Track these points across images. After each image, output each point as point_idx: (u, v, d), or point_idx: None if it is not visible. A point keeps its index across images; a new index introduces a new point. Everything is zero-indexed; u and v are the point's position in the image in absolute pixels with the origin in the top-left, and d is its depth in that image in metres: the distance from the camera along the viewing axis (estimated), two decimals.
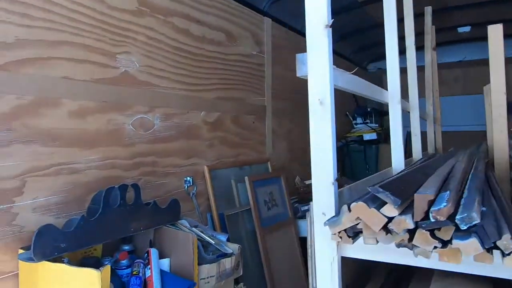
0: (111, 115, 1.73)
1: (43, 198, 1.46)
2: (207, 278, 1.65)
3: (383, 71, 5.41)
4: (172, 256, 1.67)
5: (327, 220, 0.93)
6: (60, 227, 1.35)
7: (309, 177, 1.15)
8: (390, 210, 0.82)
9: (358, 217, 0.86)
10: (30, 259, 1.22)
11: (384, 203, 0.84)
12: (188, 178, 2.17)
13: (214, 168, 2.36)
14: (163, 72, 2.00)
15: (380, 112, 4.41)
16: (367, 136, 4.03)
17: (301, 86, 3.43)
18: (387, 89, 1.73)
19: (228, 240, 1.91)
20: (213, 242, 1.80)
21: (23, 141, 1.40)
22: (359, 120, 4.33)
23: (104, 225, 1.43)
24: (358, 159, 4.11)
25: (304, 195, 3.16)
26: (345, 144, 4.12)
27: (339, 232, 0.91)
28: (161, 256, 1.66)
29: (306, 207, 3.07)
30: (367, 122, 4.27)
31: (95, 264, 1.51)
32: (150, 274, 1.52)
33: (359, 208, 0.85)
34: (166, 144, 2.03)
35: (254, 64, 2.79)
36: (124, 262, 1.59)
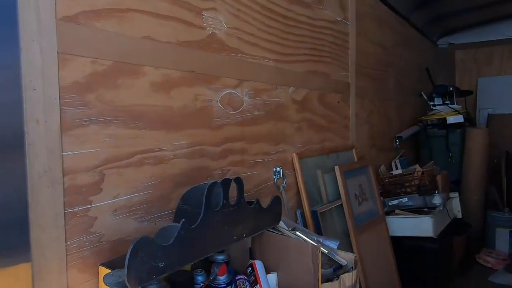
0: (199, 88, 1.35)
1: (126, 197, 1.11)
2: None
3: (455, 46, 4.85)
4: (280, 271, 1.29)
5: None
6: (149, 236, 1.00)
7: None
8: None
9: None
10: (121, 285, 0.87)
11: None
12: (278, 168, 1.79)
13: (303, 156, 1.96)
14: (253, 38, 1.60)
15: (462, 92, 3.84)
16: (451, 119, 3.50)
17: (385, 61, 2.97)
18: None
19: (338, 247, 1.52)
20: (326, 251, 1.41)
21: (100, 121, 1.04)
22: (437, 101, 3.79)
23: (207, 234, 1.07)
24: (439, 146, 3.60)
25: (390, 187, 2.72)
26: (423, 129, 3.61)
27: None
28: (266, 269, 1.29)
29: (394, 202, 2.63)
30: (448, 103, 3.73)
31: (188, 282, 1.16)
32: None
33: None
34: (255, 127, 1.64)
35: (339, 33, 2.35)
36: (223, 278, 1.23)
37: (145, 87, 1.17)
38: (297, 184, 1.91)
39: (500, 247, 3.47)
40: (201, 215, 1.05)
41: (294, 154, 1.89)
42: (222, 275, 1.22)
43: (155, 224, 1.20)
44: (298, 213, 1.91)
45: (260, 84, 1.66)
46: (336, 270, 1.40)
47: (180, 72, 1.27)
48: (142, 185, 1.16)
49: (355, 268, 1.38)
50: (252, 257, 1.35)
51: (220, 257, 1.31)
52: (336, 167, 2.11)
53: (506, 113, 4.28)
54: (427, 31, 4.33)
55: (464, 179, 3.46)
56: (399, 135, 3.27)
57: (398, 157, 3.26)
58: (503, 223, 3.46)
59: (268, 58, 1.71)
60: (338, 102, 2.35)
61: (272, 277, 1.28)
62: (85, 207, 1.00)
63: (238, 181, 1.20)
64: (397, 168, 3.09)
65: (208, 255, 1.10)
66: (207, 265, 1.27)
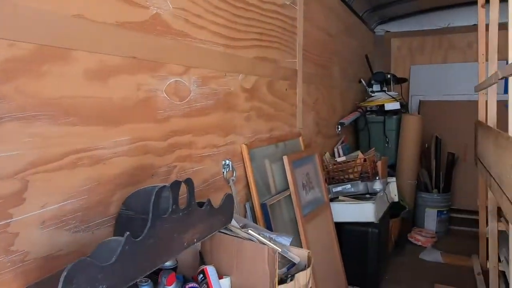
0: (142, 77, 1.20)
1: (56, 205, 0.94)
2: None
3: (391, 34, 5.03)
4: (234, 275, 1.22)
5: None
6: (85, 257, 0.86)
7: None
8: None
9: None
10: None
11: None
12: (227, 161, 1.69)
13: (252, 146, 1.88)
14: (200, 20, 1.46)
15: (398, 79, 4.00)
16: (389, 106, 3.63)
17: (330, 48, 2.94)
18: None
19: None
20: (279, 250, 1.36)
21: (21, 117, 0.86)
22: (376, 87, 3.91)
23: (155, 244, 0.95)
24: (377, 132, 3.73)
25: (334, 174, 2.76)
26: (362, 115, 3.71)
27: None
28: (218, 273, 1.21)
29: (338, 188, 2.68)
30: (385, 90, 3.86)
31: None
32: None
33: None
34: (203, 118, 1.52)
35: (287, 18, 2.26)
36: (172, 287, 1.12)
37: (77, 75, 0.99)
38: (246, 176, 1.83)
39: (428, 225, 3.73)
40: (148, 224, 0.93)
41: (243, 145, 1.80)
42: (171, 285, 1.12)
43: (92, 233, 1.05)
44: (247, 206, 1.84)
45: (209, 71, 1.53)
46: (290, 268, 1.36)
47: (119, 57, 1.11)
48: (76, 190, 1.00)
49: (309, 266, 1.35)
50: (203, 261, 1.26)
51: (168, 264, 1.20)
52: (284, 157, 2.07)
53: (436, 99, 4.55)
54: (367, 18, 4.43)
55: (399, 163, 3.64)
56: (341, 121, 3.32)
57: (339, 143, 3.32)
58: (431, 204, 3.72)
59: (217, 43, 1.58)
60: (286, 89, 2.29)
61: (225, 282, 1.20)
62: (3, 223, 0.83)
63: (189, 182, 1.09)
64: (339, 155, 3.15)
65: (158, 267, 0.99)
66: (153, 272, 1.15)
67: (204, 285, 1.13)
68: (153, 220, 0.94)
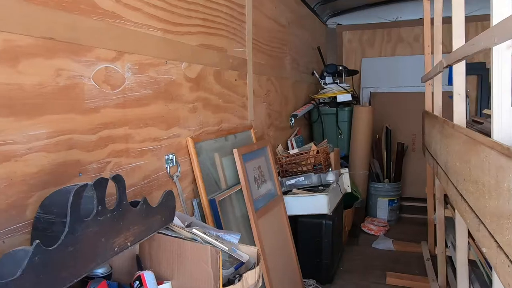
0: (62, 61, 1.05)
1: None
2: None
3: (342, 27, 5.08)
4: (175, 279, 1.11)
5: None
6: None
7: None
8: None
9: None
10: None
11: None
12: (171, 155, 1.57)
13: (199, 140, 1.77)
14: (134, 0, 1.33)
15: (349, 71, 4.03)
16: (341, 98, 3.65)
17: (281, 38, 2.88)
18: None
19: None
20: (226, 249, 1.26)
21: None
22: (328, 79, 3.92)
23: (76, 252, 0.82)
24: (330, 123, 3.74)
25: (287, 167, 2.71)
26: (315, 107, 3.70)
27: None
28: (157, 279, 1.10)
29: (292, 181, 2.63)
30: (337, 82, 3.88)
31: None
32: None
33: None
34: (141, 109, 1.39)
35: (235, 4, 2.17)
36: None
37: None
38: (193, 171, 1.72)
39: (380, 215, 3.81)
40: (66, 230, 0.80)
41: (189, 138, 1.69)
42: None
43: (3, 242, 0.90)
44: (194, 203, 1.73)
45: (146, 57, 1.40)
46: (238, 267, 1.27)
47: (32, 38, 0.96)
48: None
49: (258, 264, 1.27)
50: (140, 266, 1.14)
51: (99, 271, 1.07)
52: (235, 150, 1.98)
53: (385, 91, 4.66)
54: (319, 11, 4.42)
55: (352, 154, 3.68)
56: (294, 113, 3.28)
57: (293, 135, 3.28)
58: (383, 193, 3.80)
59: (155, 27, 1.45)
60: (236, 79, 2.20)
61: None
62: None
63: (118, 179, 0.96)
64: (293, 147, 3.11)
65: (80, 279, 0.86)
66: (82, 280, 1.02)
67: None
68: (72, 224, 0.81)
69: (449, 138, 1.71)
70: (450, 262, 2.46)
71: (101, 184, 0.89)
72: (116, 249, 0.96)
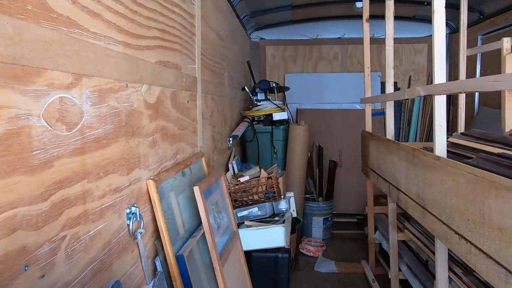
0: (2, 93, 0.65)
1: None
2: None
3: (266, 41, 5.00)
4: None
5: None
6: None
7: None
8: None
9: None
10: None
11: None
12: (133, 208, 1.19)
13: (160, 181, 1.41)
14: (94, 3, 0.95)
15: (281, 88, 3.94)
16: (277, 116, 3.50)
17: (221, 53, 2.64)
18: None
19: None
20: None
21: None
22: (260, 96, 3.76)
23: None
24: (264, 142, 3.57)
25: (237, 196, 2.44)
26: (250, 125, 3.50)
27: None
28: None
29: (244, 213, 2.37)
30: (269, 99, 3.74)
31: None
32: None
33: None
34: (101, 152, 1.00)
35: (187, 14, 1.85)
36: None
37: None
38: (154, 222, 1.36)
39: (316, 234, 3.76)
40: None
41: (150, 181, 1.33)
42: None
43: None
44: (157, 262, 1.37)
45: (107, 81, 1.03)
46: None
47: None
48: None
49: None
50: None
51: None
52: (196, 189, 1.64)
53: (310, 107, 4.69)
54: (245, 23, 4.26)
55: (288, 173, 3.56)
56: (234, 134, 3.03)
57: (232, 158, 3.03)
58: (318, 212, 3.76)
59: (116, 40, 1.08)
60: (188, 101, 1.87)
61: None
62: None
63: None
64: (234, 171, 2.86)
65: None
66: None
67: None
68: None
69: (428, 170, 1.65)
70: (402, 285, 2.46)
71: None
72: None
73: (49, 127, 0.78)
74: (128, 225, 1.16)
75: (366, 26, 2.86)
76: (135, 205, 1.20)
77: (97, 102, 0.97)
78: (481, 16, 3.88)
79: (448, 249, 1.68)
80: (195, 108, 2.00)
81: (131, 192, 1.19)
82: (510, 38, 2.26)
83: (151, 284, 1.32)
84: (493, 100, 3.54)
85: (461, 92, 1.35)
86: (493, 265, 1.16)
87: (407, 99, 4.78)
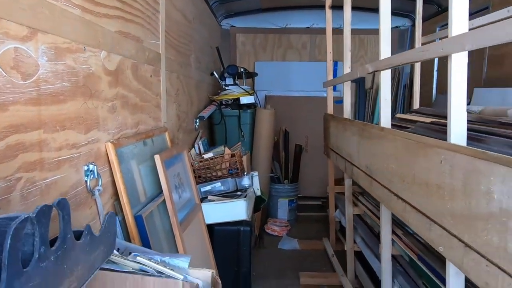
0: None
1: None
2: None
3: (236, 29, 5.07)
4: None
5: None
6: None
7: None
8: None
9: None
10: None
11: None
12: (91, 166, 1.26)
13: (119, 145, 1.48)
14: None
15: (250, 74, 4.02)
16: (244, 100, 3.59)
17: (187, 34, 2.70)
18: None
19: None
20: (180, 278, 1.05)
21: None
22: (229, 81, 3.83)
23: None
24: (232, 125, 3.65)
25: (201, 172, 2.53)
26: (218, 108, 3.57)
27: None
28: None
29: (207, 187, 2.46)
30: (238, 84, 3.82)
31: None
32: None
33: None
34: (58, 107, 1.07)
35: None
36: None
37: None
38: (113, 183, 1.42)
39: (281, 215, 3.89)
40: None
41: (109, 143, 1.39)
42: None
43: None
44: (116, 220, 1.43)
45: (63, 40, 1.08)
46: None
47: None
48: None
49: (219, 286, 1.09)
50: None
51: None
52: (156, 157, 1.72)
53: (278, 94, 4.81)
54: (215, 9, 4.31)
55: (255, 156, 3.66)
56: (201, 115, 3.10)
57: (199, 139, 3.10)
58: (283, 194, 3.89)
59: (73, 3, 1.14)
60: (151, 75, 1.93)
61: None
62: None
63: (62, 205, 0.69)
64: (200, 151, 2.93)
65: None
66: None
67: None
68: (9, 281, 0.53)
69: (375, 140, 1.78)
70: (358, 257, 2.61)
71: (44, 214, 0.61)
72: None
73: (3, 73, 0.84)
74: (86, 181, 1.23)
75: (328, 13, 2.98)
76: (93, 163, 1.26)
77: (54, 59, 1.03)
78: (439, 9, 4.09)
79: (392, 215, 1.83)
80: (158, 84, 2.06)
81: (89, 151, 1.25)
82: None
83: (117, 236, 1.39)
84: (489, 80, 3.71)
85: (399, 65, 1.48)
86: (420, 217, 1.30)
87: (372, 88, 4.97)
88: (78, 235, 0.77)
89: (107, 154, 1.39)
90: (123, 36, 1.54)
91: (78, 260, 0.75)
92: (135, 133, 1.70)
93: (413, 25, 4.74)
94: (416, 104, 2.90)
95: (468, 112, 1.89)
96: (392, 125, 1.95)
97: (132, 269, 0.95)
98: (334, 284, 2.64)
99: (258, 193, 3.03)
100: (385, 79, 1.72)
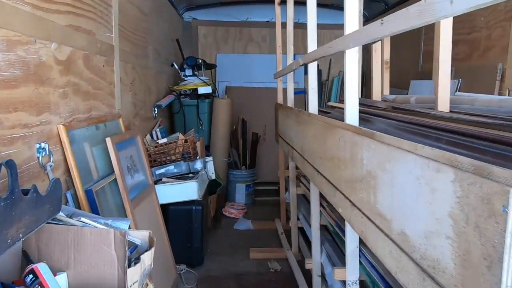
0: None
1: None
2: (131, 286, 1.14)
3: (198, 21, 5.22)
4: (71, 269, 1.06)
5: None
6: None
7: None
8: None
9: None
10: None
11: None
12: (43, 144, 1.43)
13: (71, 127, 1.65)
14: None
15: (208, 65, 4.21)
16: (202, 90, 3.78)
17: (144, 27, 2.88)
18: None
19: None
20: (128, 231, 1.25)
21: None
22: (188, 72, 4.01)
23: None
24: (191, 115, 3.84)
25: (156, 156, 2.72)
26: (177, 98, 3.75)
27: None
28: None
29: (162, 170, 2.66)
30: (197, 75, 4.00)
31: None
32: None
33: None
34: (10, 91, 1.24)
35: None
36: None
37: None
38: (65, 161, 1.60)
39: (239, 199, 4.13)
40: None
41: (61, 125, 1.57)
42: None
43: None
44: (68, 195, 1.62)
45: (14, 34, 1.25)
46: (132, 251, 1.28)
47: None
48: None
49: (152, 246, 1.31)
50: (29, 260, 1.04)
51: None
52: (108, 139, 1.90)
53: (239, 85, 5.02)
54: (176, 2, 4.45)
55: (213, 143, 3.88)
56: (158, 103, 3.27)
57: (157, 126, 3.27)
58: (241, 179, 4.13)
59: (24, 1, 1.30)
60: (103, 66, 2.10)
61: (61, 278, 1.04)
62: None
63: (10, 164, 0.88)
64: (157, 137, 3.11)
65: None
66: None
67: (37, 286, 0.95)
68: None
69: (305, 125, 2.03)
70: (301, 233, 2.89)
71: (12, 167, 0.81)
72: (9, 241, 0.88)
73: None
74: (38, 157, 1.41)
75: (277, 9, 3.21)
76: (45, 142, 1.44)
77: (5, 50, 1.21)
78: (386, 6, 4.41)
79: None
80: (112, 73, 2.23)
81: (41, 131, 1.43)
82: None
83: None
84: (400, 82, 4.04)
85: (317, 59, 1.73)
86: (329, 186, 1.56)
87: (327, 79, 5.27)
88: (26, 192, 0.96)
89: (59, 135, 1.56)
90: (74, 30, 1.71)
91: (25, 211, 0.94)
92: (87, 117, 1.88)
93: (366, 21, 5.07)
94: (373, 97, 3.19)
95: (384, 100, 2.18)
96: (321, 111, 2.21)
97: (76, 225, 1.15)
98: (281, 258, 2.91)
99: (213, 177, 3.26)
100: (312, 70, 1.97)
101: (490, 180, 0.60)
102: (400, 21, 0.92)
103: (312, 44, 1.94)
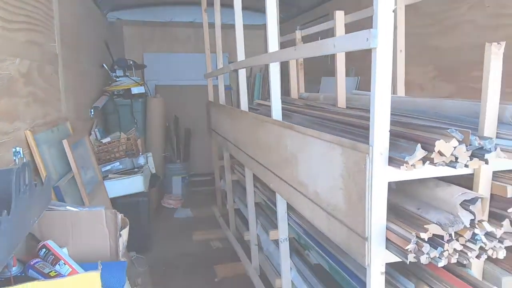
0: None
1: None
2: (120, 253, 1.45)
3: (122, 21, 5.32)
4: (70, 244, 1.35)
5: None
6: None
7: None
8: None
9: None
10: None
11: None
12: (18, 148, 1.64)
13: (35, 132, 1.86)
14: None
15: (138, 66, 4.38)
16: (135, 90, 3.96)
17: (76, 31, 3.07)
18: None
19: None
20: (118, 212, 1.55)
21: None
22: (119, 72, 4.15)
23: (17, 223, 1.01)
24: (125, 114, 4.00)
25: (101, 155, 2.92)
26: (110, 98, 3.89)
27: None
28: None
29: (107, 167, 2.88)
30: (128, 75, 4.17)
31: None
32: (71, 270, 1.20)
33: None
34: None
35: (47, 1, 2.23)
36: (16, 268, 1.17)
37: None
38: (34, 162, 1.81)
39: (176, 191, 4.43)
40: (13, 203, 0.99)
41: (28, 131, 1.77)
42: (16, 265, 1.16)
43: None
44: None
45: None
46: None
47: None
48: None
49: (127, 225, 1.62)
50: (36, 241, 1.30)
51: None
52: (64, 141, 2.12)
53: (168, 84, 5.25)
54: (101, 4, 4.53)
55: (148, 140, 4.11)
56: (95, 105, 3.43)
57: (94, 126, 3.43)
58: (176, 172, 4.42)
59: None
60: (52, 74, 2.28)
61: (64, 252, 1.32)
62: None
63: (27, 164, 1.15)
64: (97, 137, 3.29)
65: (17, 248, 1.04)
66: None
67: (51, 256, 1.22)
68: (16, 199, 1.00)
69: (238, 120, 2.44)
70: (237, 214, 3.31)
71: (28, 165, 1.08)
72: (31, 222, 1.15)
73: None
74: (15, 159, 1.62)
75: (204, 15, 3.55)
76: (19, 147, 1.65)
77: None
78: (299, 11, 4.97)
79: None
80: (58, 80, 2.41)
81: (15, 137, 1.64)
82: (300, 31, 3.20)
83: None
84: (315, 78, 4.57)
85: (245, 67, 2.14)
86: (262, 167, 1.98)
87: (250, 76, 5.73)
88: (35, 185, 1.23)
89: (27, 140, 1.77)
90: (30, 44, 1.90)
91: (35, 200, 1.21)
92: (44, 123, 2.07)
93: (281, 23, 5.62)
94: (294, 91, 3.67)
95: (300, 97, 2.68)
96: (251, 108, 2.64)
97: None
98: (221, 237, 3.30)
99: (154, 171, 3.53)
100: (242, 75, 2.38)
101: (357, 151, 1.06)
102: (307, 50, 1.37)
103: (241, 55, 2.35)
